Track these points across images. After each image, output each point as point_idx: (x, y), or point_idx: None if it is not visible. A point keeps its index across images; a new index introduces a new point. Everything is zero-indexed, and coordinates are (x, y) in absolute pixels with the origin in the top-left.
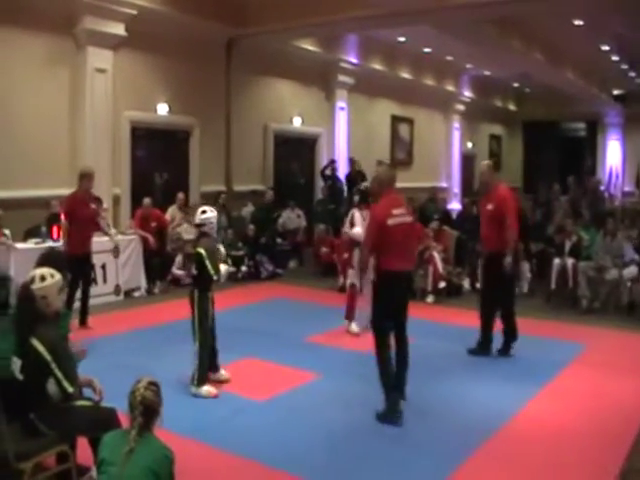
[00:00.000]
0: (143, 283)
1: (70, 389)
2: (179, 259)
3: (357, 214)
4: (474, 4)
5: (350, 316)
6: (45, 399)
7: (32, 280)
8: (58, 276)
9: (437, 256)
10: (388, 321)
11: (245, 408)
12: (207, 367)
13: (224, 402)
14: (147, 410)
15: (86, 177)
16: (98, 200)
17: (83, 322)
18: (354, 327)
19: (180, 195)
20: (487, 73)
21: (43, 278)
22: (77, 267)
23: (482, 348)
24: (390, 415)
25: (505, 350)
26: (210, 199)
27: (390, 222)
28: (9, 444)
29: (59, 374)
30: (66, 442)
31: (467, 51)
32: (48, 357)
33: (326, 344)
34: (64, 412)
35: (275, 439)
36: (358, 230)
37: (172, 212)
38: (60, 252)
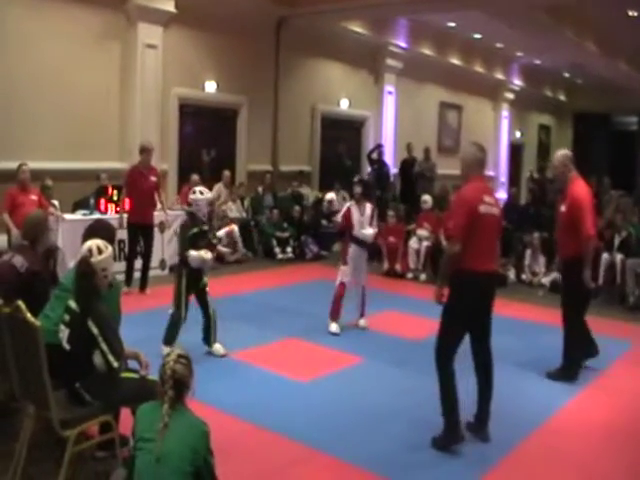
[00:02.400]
0: None
1: (115, 364)
2: (224, 236)
3: (354, 208)
4: None
5: (335, 316)
6: (91, 369)
7: (90, 253)
8: (110, 246)
9: None
10: (459, 336)
11: (288, 388)
12: (174, 333)
13: (267, 381)
14: (177, 384)
15: (145, 151)
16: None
17: (142, 288)
18: (334, 327)
19: (226, 173)
20: (538, 62)
21: (100, 250)
22: (135, 236)
23: (590, 355)
24: (448, 438)
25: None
26: (257, 178)
27: (482, 209)
28: (55, 411)
29: (105, 348)
30: (110, 412)
31: (518, 38)
32: (96, 330)
33: (369, 328)
34: (109, 383)
35: (316, 420)
36: (370, 232)
37: (218, 190)
38: (107, 222)
